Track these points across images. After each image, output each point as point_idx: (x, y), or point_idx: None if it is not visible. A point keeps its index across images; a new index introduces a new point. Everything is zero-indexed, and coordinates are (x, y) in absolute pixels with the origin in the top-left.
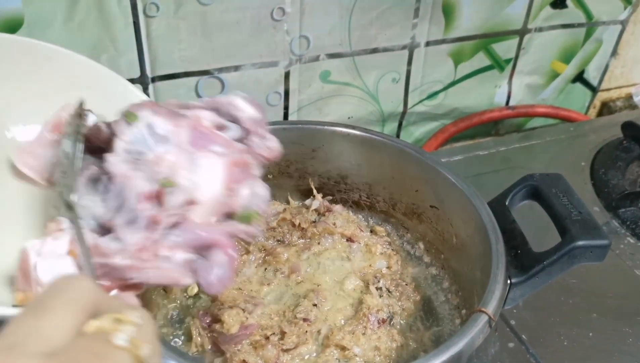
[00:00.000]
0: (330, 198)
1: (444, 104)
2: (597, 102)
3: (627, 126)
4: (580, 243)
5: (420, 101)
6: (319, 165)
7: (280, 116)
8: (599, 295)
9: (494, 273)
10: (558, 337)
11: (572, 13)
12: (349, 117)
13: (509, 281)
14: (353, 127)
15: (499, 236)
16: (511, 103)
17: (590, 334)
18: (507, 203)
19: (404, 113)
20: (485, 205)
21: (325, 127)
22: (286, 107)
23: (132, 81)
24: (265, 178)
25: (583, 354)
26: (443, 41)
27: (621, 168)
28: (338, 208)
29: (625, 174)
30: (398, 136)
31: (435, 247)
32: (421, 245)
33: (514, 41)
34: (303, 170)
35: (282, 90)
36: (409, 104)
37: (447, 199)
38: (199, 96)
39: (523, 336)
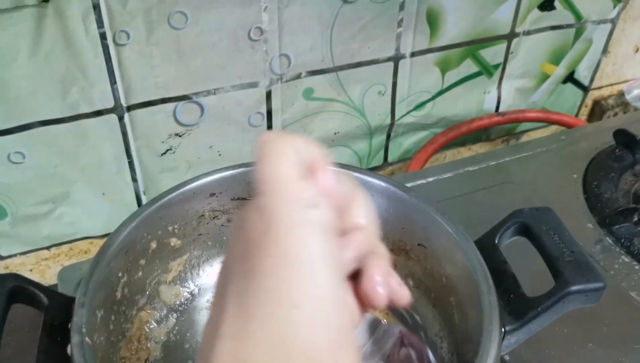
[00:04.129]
0: None
1: (432, 113)
2: (588, 102)
3: (619, 134)
4: (575, 287)
5: (408, 112)
6: None
7: None
8: (593, 322)
9: (486, 329)
10: None
11: (561, 14)
12: (335, 133)
13: (502, 329)
14: (334, 164)
15: (490, 285)
16: (501, 108)
17: None
18: (496, 241)
19: (391, 125)
20: (475, 249)
21: None
22: (269, 127)
23: (107, 111)
24: None
25: None
26: (429, 51)
27: (614, 179)
28: None
29: (619, 185)
30: (386, 148)
31: (425, 285)
32: (410, 282)
33: (502, 46)
34: None
35: (264, 110)
36: (397, 116)
37: (435, 239)
38: (177, 121)
39: None
